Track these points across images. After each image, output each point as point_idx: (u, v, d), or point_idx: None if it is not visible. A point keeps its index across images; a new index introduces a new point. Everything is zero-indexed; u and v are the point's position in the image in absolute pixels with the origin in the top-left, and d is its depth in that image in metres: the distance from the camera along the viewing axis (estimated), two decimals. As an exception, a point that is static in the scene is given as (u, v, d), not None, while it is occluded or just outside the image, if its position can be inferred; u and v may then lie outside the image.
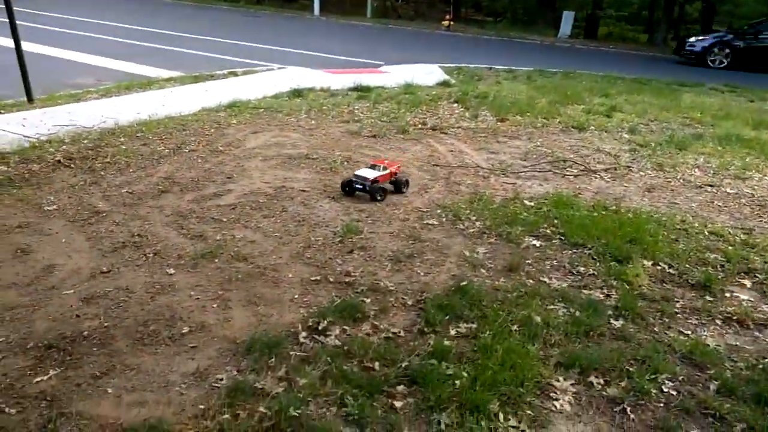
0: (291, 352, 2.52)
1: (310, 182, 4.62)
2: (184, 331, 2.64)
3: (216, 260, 3.30)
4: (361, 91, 8.30)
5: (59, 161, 4.67)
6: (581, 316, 2.90)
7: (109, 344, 2.53)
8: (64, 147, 5.02)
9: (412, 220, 4.02)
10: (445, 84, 9.39)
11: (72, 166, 4.63)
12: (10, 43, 6.46)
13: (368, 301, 2.95)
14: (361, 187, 4.32)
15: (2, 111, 6.13)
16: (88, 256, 3.28)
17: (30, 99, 6.54)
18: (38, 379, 2.29)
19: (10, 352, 2.44)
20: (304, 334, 2.65)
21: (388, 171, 4.44)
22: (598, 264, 3.51)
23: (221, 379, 2.33)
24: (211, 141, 5.51)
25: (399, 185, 4.49)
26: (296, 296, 2.98)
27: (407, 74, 9.62)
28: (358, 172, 4.40)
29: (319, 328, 2.68)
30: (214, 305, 2.86)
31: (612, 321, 2.92)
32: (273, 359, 2.46)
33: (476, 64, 12.16)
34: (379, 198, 4.30)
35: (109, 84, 7.85)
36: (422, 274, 3.29)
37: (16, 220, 3.65)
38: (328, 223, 3.88)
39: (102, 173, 4.52)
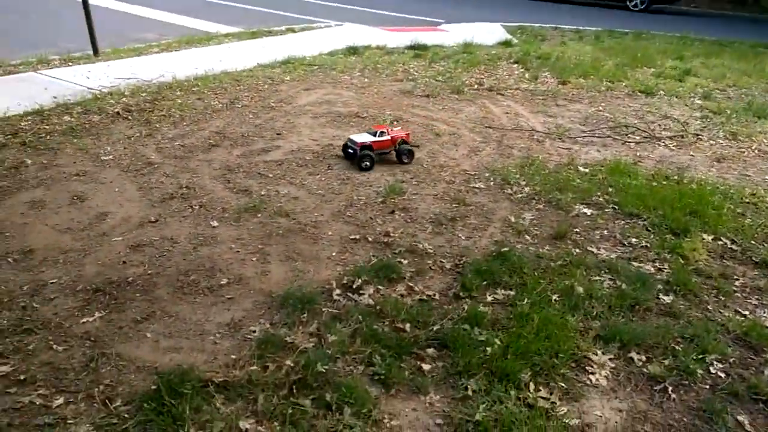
0: (323, 309, 2.53)
1: (358, 141, 4.57)
2: (222, 283, 2.70)
3: (258, 215, 3.34)
4: (418, 49, 8.09)
5: (118, 113, 4.82)
6: (628, 289, 2.76)
7: (152, 291, 2.62)
8: (124, 99, 5.18)
9: (458, 182, 3.91)
10: (506, 43, 9.01)
11: (129, 118, 4.77)
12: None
13: (405, 262, 2.91)
14: (351, 152, 4.07)
15: (70, 63, 6.38)
16: (138, 205, 3.39)
17: (96, 52, 6.76)
18: (84, 320, 2.41)
19: (61, 293, 2.57)
20: (338, 291, 2.65)
21: (386, 138, 4.11)
22: (652, 236, 3.32)
23: (254, 331, 2.38)
24: (263, 97, 5.54)
25: (400, 155, 4.14)
26: (334, 254, 2.98)
27: (467, 33, 9.29)
28: (352, 136, 4.14)
29: (354, 286, 2.68)
30: (253, 259, 2.91)
31: (661, 296, 2.76)
32: (305, 315, 2.48)
33: (541, 23, 11.59)
34: (365, 166, 3.99)
35: (171, 39, 8.00)
36: (463, 238, 3.21)
37: (75, 168, 3.81)
38: (372, 183, 3.84)
39: (157, 126, 4.63)
